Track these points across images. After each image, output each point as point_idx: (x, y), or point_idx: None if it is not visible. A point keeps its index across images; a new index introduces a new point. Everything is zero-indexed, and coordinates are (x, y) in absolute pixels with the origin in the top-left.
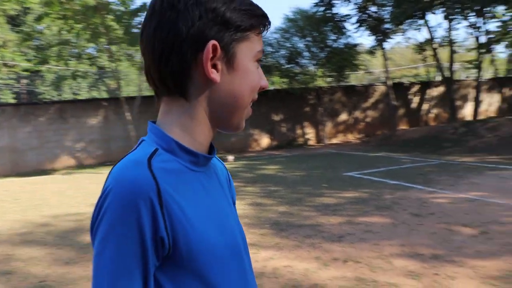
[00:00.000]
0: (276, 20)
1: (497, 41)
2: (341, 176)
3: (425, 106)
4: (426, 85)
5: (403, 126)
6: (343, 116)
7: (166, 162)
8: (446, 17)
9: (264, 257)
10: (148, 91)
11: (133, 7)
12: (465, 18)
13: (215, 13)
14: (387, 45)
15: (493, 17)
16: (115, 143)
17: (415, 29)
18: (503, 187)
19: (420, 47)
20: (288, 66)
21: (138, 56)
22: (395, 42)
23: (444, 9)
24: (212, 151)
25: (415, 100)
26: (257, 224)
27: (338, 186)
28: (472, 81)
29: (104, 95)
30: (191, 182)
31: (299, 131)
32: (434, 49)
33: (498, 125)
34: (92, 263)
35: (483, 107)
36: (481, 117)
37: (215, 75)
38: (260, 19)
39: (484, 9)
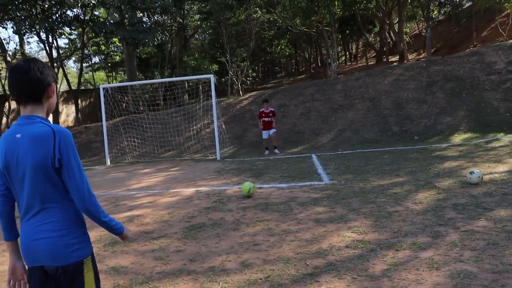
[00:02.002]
0: None
1: (68, 56)
2: None
3: (4, 120)
4: (4, 98)
5: None
6: None
7: None
8: (16, 32)
9: None
10: None
11: None
12: (37, 34)
13: (54, 77)
14: None
15: (62, 35)
16: None
17: None
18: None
19: None
20: None
21: None
22: None
23: (13, 23)
24: None
25: None
26: None
27: None
28: None
29: None
30: None
31: None
32: (6, 62)
33: (77, 133)
34: (75, 166)
35: (62, 117)
36: (64, 126)
37: (53, 95)
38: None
39: (54, 28)
